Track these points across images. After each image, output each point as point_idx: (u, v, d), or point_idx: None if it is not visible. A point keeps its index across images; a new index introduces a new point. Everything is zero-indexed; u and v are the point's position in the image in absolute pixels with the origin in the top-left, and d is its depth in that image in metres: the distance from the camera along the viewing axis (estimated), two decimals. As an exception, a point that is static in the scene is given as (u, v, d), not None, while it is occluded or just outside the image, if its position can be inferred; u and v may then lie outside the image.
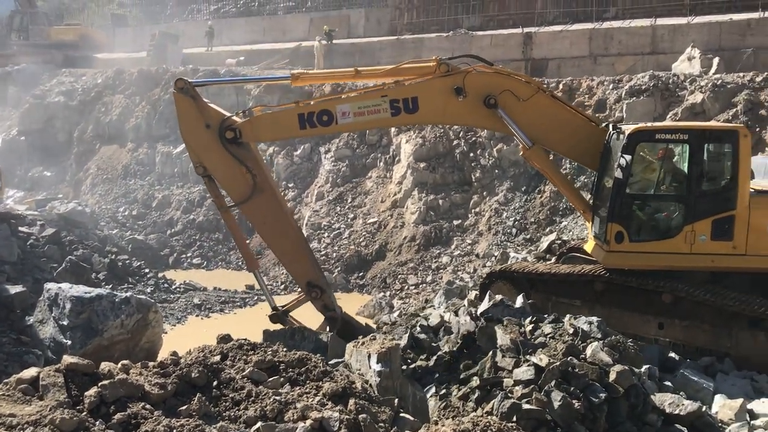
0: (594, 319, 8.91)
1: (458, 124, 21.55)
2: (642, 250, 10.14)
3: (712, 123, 16.18)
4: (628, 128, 10.31)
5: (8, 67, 40.22)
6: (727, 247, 9.89)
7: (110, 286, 17.34)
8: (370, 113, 10.87)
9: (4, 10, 47.56)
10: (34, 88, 36.98)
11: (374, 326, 14.14)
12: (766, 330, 9.40)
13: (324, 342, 10.55)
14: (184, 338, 14.52)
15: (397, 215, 23.49)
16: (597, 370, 7.70)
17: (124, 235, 25.83)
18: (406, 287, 20.59)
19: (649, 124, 11.76)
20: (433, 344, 9.91)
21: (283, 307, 11.78)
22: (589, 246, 11.24)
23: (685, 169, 10.14)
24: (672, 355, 9.86)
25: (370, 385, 7.69)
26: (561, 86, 22.19)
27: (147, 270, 21.46)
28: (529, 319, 9.21)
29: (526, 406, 7.34)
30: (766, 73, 19.10)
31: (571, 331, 8.70)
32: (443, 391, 8.72)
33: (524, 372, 7.89)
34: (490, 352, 8.53)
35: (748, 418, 8.24)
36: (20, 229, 17.84)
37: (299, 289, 11.97)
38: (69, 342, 11.33)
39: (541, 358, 7.94)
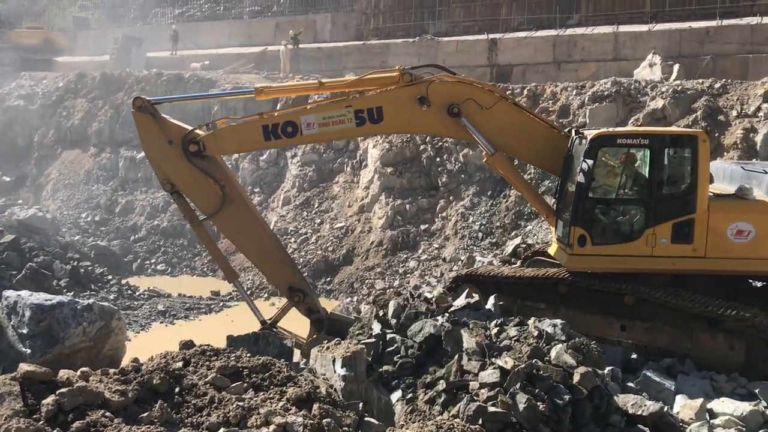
0: (558, 321, 8.99)
1: (423, 134, 21.62)
2: (604, 253, 10.26)
3: (673, 128, 16.48)
4: (590, 133, 10.47)
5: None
6: (687, 249, 10.06)
7: (72, 294, 16.97)
8: (335, 124, 10.85)
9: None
10: (-7, 92, 36.31)
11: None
12: (725, 331, 9.56)
13: (288, 347, 10.48)
14: (148, 345, 14.26)
15: (365, 220, 23.46)
16: (561, 372, 7.78)
17: (87, 241, 25.31)
18: (374, 292, 20.56)
19: (610, 129, 11.96)
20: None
21: (269, 319, 11.64)
22: (553, 249, 11.36)
23: (646, 174, 10.31)
24: (634, 356, 10.02)
25: (335, 389, 7.66)
26: (525, 92, 22.39)
27: (110, 277, 21.16)
28: (495, 322, 9.26)
29: (491, 409, 7.41)
30: (724, 80, 19.56)
31: (535, 333, 8.78)
32: (410, 395, 8.73)
33: (490, 375, 7.94)
34: (456, 356, 8.58)
35: (708, 418, 8.40)
36: (-22, 235, 17.50)
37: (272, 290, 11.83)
38: (29, 351, 11.02)
39: (506, 361, 8.00)
